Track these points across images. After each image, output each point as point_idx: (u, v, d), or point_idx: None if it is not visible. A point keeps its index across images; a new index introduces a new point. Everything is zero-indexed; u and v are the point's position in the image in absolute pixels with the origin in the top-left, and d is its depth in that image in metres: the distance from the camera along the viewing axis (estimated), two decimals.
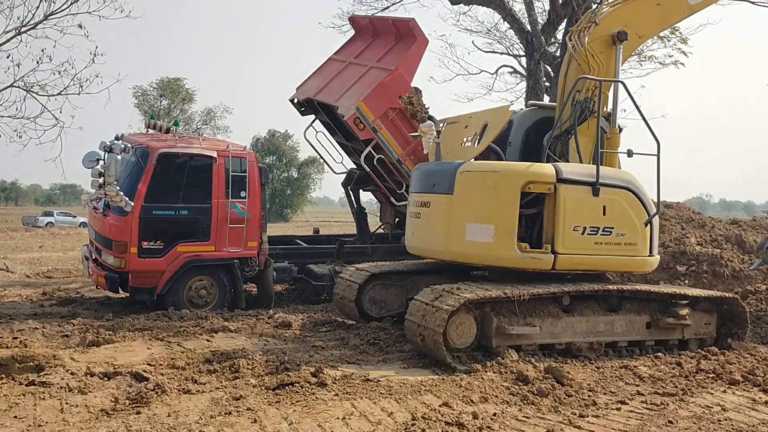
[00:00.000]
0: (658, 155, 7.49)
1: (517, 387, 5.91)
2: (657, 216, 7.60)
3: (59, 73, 15.24)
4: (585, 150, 7.69)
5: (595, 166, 7.30)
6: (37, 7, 15.45)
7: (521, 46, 18.94)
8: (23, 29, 15.27)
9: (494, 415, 5.22)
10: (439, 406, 5.34)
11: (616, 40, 7.89)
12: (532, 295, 6.77)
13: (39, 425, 4.81)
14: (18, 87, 15.13)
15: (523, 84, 21.13)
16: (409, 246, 8.34)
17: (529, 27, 17.51)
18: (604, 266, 7.49)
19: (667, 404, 5.71)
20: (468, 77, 23.33)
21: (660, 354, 7.34)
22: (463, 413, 5.19)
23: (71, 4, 15.27)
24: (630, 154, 7.65)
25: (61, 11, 15.32)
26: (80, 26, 15.57)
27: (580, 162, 7.59)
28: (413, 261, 8.91)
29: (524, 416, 5.27)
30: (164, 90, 54.14)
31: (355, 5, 20.28)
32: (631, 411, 5.54)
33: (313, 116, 12.22)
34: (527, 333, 6.84)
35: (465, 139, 8.29)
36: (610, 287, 7.31)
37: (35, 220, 44.00)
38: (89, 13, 15.73)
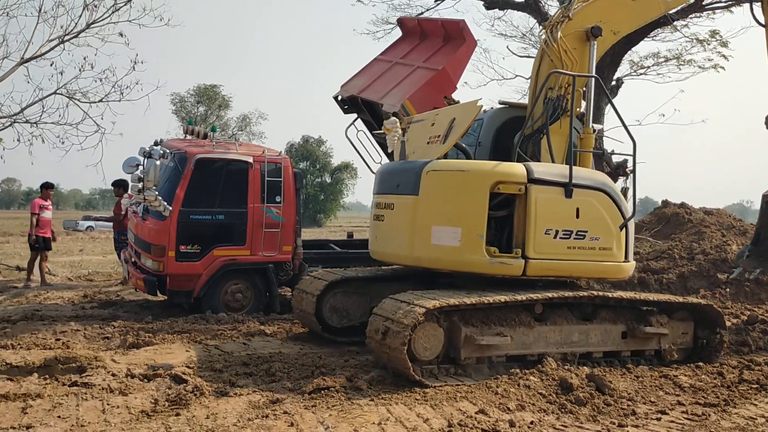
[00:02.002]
0: (634, 155, 7.24)
1: (554, 395, 5.84)
2: (632, 220, 7.25)
3: (101, 80, 15.60)
4: (557, 150, 7.30)
5: (567, 166, 6.92)
6: (80, 16, 15.84)
7: None
8: (66, 38, 15.66)
9: (531, 423, 5.16)
10: (475, 413, 5.30)
11: (590, 35, 7.58)
12: (503, 302, 6.38)
13: (81, 425, 4.91)
14: (61, 94, 15.51)
15: None
16: (372, 251, 7.94)
17: None
18: (577, 272, 7.11)
19: (709, 415, 5.58)
20: (502, 82, 23.22)
21: (701, 364, 7.14)
22: (500, 421, 5.14)
23: (112, 12, 15.64)
24: (605, 153, 7.43)
25: (103, 20, 15.69)
26: (121, 34, 15.92)
27: (552, 162, 7.21)
28: (377, 267, 8.56)
29: (562, 425, 5.20)
30: (201, 97, 55.02)
31: (389, 12, 20.36)
32: (672, 421, 5.43)
33: (355, 114, 12.25)
34: (498, 343, 6.42)
35: (431, 138, 7.82)
36: (593, 293, 7.00)
37: (76, 224, 45.08)
38: (129, 21, 16.08)
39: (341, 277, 8.02)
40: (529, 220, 6.68)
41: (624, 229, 7.13)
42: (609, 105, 17.40)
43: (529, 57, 21.40)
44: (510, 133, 7.81)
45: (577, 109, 7.59)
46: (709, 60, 17.69)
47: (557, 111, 7.38)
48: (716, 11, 16.47)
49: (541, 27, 8.04)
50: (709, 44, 17.19)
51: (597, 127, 7.88)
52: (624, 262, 7.22)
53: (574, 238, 6.83)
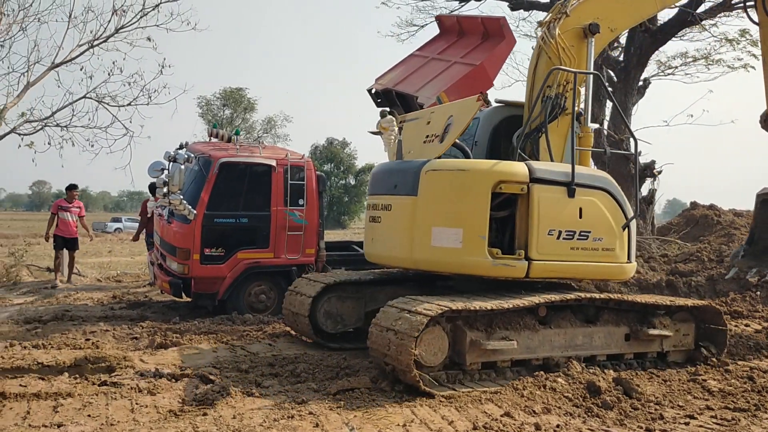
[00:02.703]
0: (635, 154, 7.06)
1: (581, 399, 5.79)
2: (635, 219, 7.10)
3: (129, 84, 15.86)
4: (556, 149, 7.18)
5: (570, 165, 6.75)
6: (109, 21, 16.12)
7: None
8: (96, 42, 15.94)
9: (557, 426, 5.12)
10: (501, 416, 5.27)
11: (588, 32, 7.42)
12: (507, 308, 6.18)
13: (111, 424, 4.99)
14: (90, 98, 15.79)
15: (583, 89, 20.76)
16: (367, 254, 7.78)
17: None
18: (581, 274, 6.93)
19: (739, 420, 5.49)
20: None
21: (730, 368, 7.01)
22: (525, 424, 5.12)
23: (141, 17, 15.89)
24: (606, 151, 7.30)
25: (131, 24, 15.95)
26: (149, 39, 16.17)
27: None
28: (373, 270, 8.29)
29: (588, 429, 5.16)
30: (227, 100, 55.51)
31: (413, 14, 20.38)
32: (701, 426, 5.35)
33: (388, 109, 12.20)
34: (504, 348, 6.22)
35: (428, 136, 7.61)
36: (595, 295, 6.81)
37: (104, 226, 45.79)
38: (157, 26, 16.32)
39: (336, 280, 7.79)
40: (531, 220, 6.50)
41: (626, 230, 6.98)
42: (635, 106, 17.27)
43: None
44: (506, 131, 7.71)
45: (576, 107, 7.42)
46: (738, 59, 17.43)
47: (556, 109, 7.22)
48: (748, 8, 16.21)
49: (537, 24, 7.92)
50: (738, 43, 16.93)
51: (593, 126, 7.74)
52: (627, 263, 7.06)
53: (577, 239, 6.67)
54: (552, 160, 7.05)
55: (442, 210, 6.63)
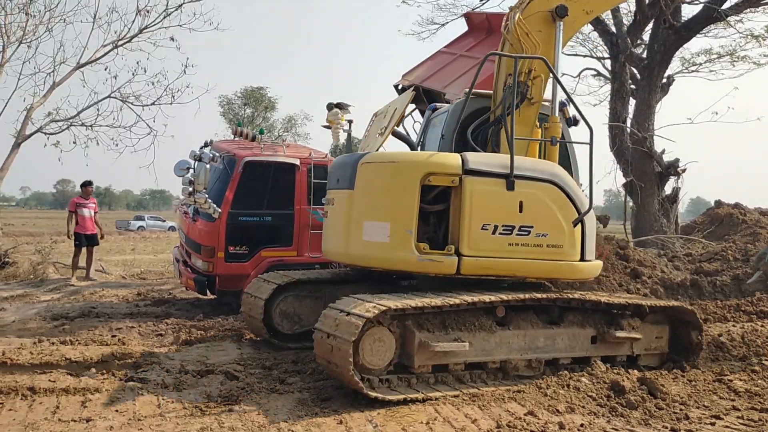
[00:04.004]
0: (590, 144, 6.60)
1: (605, 398, 5.76)
2: (591, 214, 6.60)
3: (153, 84, 16.07)
4: (521, 141, 6.79)
5: (519, 157, 6.37)
6: (133, 21, 16.33)
7: (605, 48, 18.49)
8: (120, 43, 16.16)
9: (582, 426, 5.11)
10: (524, 414, 5.27)
11: (555, 16, 6.98)
12: (452, 306, 5.80)
13: (138, 419, 5.07)
14: (115, 98, 16.01)
15: (607, 87, 20.60)
16: (323, 250, 7.54)
17: (614, 28, 17.07)
18: (522, 272, 6.39)
19: (766, 421, 5.43)
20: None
21: (757, 368, 6.87)
22: (549, 423, 5.11)
23: (164, 18, 16.06)
24: (554, 141, 6.75)
25: (155, 25, 16.14)
26: (172, 39, 16.34)
27: (512, 154, 6.56)
28: (334, 269, 8.00)
29: (613, 428, 5.13)
30: (248, 99, 55.81)
31: (434, 12, 20.34)
32: (727, 427, 5.30)
33: (413, 105, 12.18)
34: (455, 350, 5.87)
35: (380, 129, 7.39)
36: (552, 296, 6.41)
37: (128, 224, 46.34)
38: (180, 25, 16.49)
39: (292, 279, 7.57)
40: (463, 214, 6.12)
41: (580, 226, 6.51)
42: (659, 103, 17.08)
43: (576, 55, 21.15)
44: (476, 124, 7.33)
45: (541, 95, 7.06)
46: (765, 56, 17.22)
47: (517, 98, 6.84)
48: None
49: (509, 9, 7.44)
50: (765, 39, 16.70)
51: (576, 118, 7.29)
52: (579, 261, 6.54)
53: (517, 234, 6.24)
54: (512, 153, 6.55)
55: (373, 203, 6.38)
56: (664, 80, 17.19)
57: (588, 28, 19.18)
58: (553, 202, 6.39)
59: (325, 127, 8.52)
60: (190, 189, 9.07)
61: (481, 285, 6.36)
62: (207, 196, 9.19)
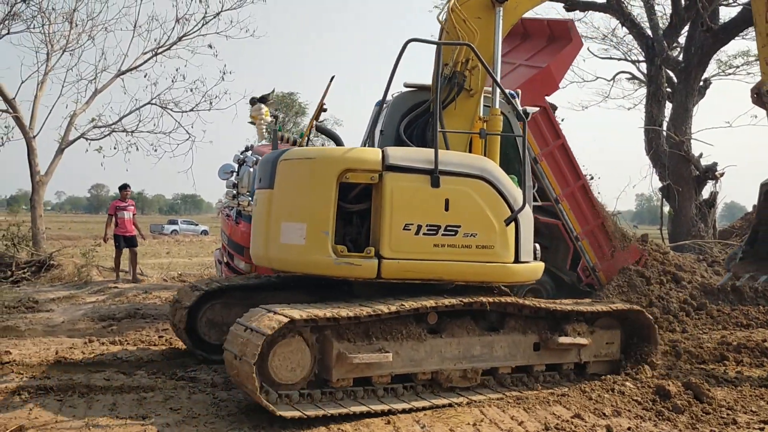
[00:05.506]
0: (523, 136, 6.20)
1: (650, 402, 5.77)
2: (527, 212, 6.18)
3: (191, 90, 16.43)
4: (458, 134, 6.51)
5: (445, 151, 5.96)
6: (172, 29, 16.72)
7: (640, 51, 18.38)
8: (159, 50, 16.55)
9: (629, 429, 5.13)
10: (571, 417, 5.30)
11: (495, 2, 6.63)
12: (367, 315, 5.29)
13: (193, 417, 5.21)
14: (155, 104, 16.40)
15: (642, 90, 20.49)
16: (250, 254, 7.04)
17: (650, 32, 16.96)
18: (449, 275, 5.88)
19: None
20: (582, 84, 22.89)
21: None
22: (597, 426, 5.14)
23: (202, 25, 16.41)
24: (482, 134, 6.26)
25: (193, 32, 16.51)
26: (210, 46, 16.69)
27: (447, 149, 6.23)
28: (269, 275, 7.56)
29: None
30: (279, 104, 56.34)
31: None
32: None
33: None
34: (377, 362, 5.39)
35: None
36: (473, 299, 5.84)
37: (162, 228, 47.05)
38: (217, 33, 16.84)
39: (216, 287, 7.11)
40: (383, 213, 5.64)
41: (514, 225, 6.04)
42: (696, 106, 16.88)
43: (610, 59, 21.05)
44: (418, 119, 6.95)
45: (479, 87, 6.70)
46: None
47: (453, 90, 6.51)
48: None
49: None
50: None
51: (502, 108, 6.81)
52: (513, 263, 6.05)
53: (443, 235, 5.75)
54: (447, 148, 6.30)
55: (291, 203, 5.92)
56: (701, 83, 17.04)
57: (623, 31, 19.07)
58: (483, 199, 5.90)
59: (250, 123, 8.06)
60: (234, 192, 9.25)
61: (422, 290, 5.90)
62: (250, 198, 9.37)
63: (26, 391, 5.70)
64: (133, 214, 14.26)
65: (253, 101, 7.51)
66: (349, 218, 5.89)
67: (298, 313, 5.03)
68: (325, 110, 6.99)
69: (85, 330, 8.87)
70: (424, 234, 5.70)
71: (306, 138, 6.79)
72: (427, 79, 6.92)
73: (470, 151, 6.47)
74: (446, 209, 5.76)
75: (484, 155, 6.35)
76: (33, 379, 6.09)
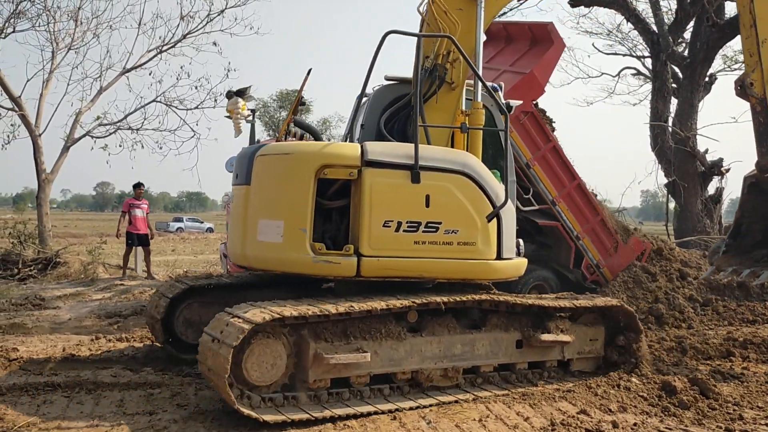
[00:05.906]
0: (505, 130, 6.14)
1: (656, 398, 5.77)
2: (509, 208, 6.05)
3: (196, 88, 16.48)
4: (439, 130, 6.40)
5: (425, 146, 5.83)
6: (177, 27, 16.75)
7: (645, 46, 18.32)
8: (164, 48, 16.57)
9: (635, 425, 5.13)
10: (577, 413, 5.31)
11: None
12: (342, 313, 5.15)
13: (200, 413, 5.23)
14: (160, 102, 16.43)
15: (647, 86, 20.43)
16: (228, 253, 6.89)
17: (655, 27, 16.90)
18: (430, 272, 5.77)
19: None
20: (587, 80, 22.86)
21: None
22: (603, 422, 5.14)
23: (207, 23, 16.42)
24: (464, 129, 6.08)
25: (198, 30, 16.52)
26: (214, 44, 16.70)
27: (428, 144, 6.09)
28: (249, 273, 7.30)
29: (666, 427, 5.14)
30: (283, 102, 56.40)
31: None
32: None
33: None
34: (355, 362, 5.27)
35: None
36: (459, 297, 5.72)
37: (167, 226, 47.17)
38: (222, 30, 16.85)
39: (194, 284, 6.90)
40: (363, 210, 5.49)
41: (496, 221, 5.93)
42: (703, 102, 16.82)
43: (615, 54, 20.99)
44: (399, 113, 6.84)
45: (460, 80, 6.61)
46: None
47: (433, 83, 6.41)
48: None
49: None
50: None
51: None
52: (496, 259, 5.95)
53: (423, 231, 5.64)
54: (429, 143, 6.17)
55: (268, 199, 5.78)
56: (707, 79, 16.98)
57: (628, 26, 19.01)
58: (465, 195, 5.78)
59: (226, 117, 7.84)
60: None
61: (405, 288, 5.80)
62: None
63: (34, 387, 5.73)
64: (147, 213, 14.32)
65: (230, 95, 7.31)
66: (328, 215, 5.75)
67: (261, 315, 4.87)
68: (303, 104, 6.93)
69: (92, 327, 8.91)
70: (404, 231, 5.60)
71: (284, 132, 6.67)
72: (408, 72, 6.84)
73: (452, 146, 6.38)
74: (427, 205, 5.65)
75: (466, 150, 6.24)
76: (40, 376, 6.12)
